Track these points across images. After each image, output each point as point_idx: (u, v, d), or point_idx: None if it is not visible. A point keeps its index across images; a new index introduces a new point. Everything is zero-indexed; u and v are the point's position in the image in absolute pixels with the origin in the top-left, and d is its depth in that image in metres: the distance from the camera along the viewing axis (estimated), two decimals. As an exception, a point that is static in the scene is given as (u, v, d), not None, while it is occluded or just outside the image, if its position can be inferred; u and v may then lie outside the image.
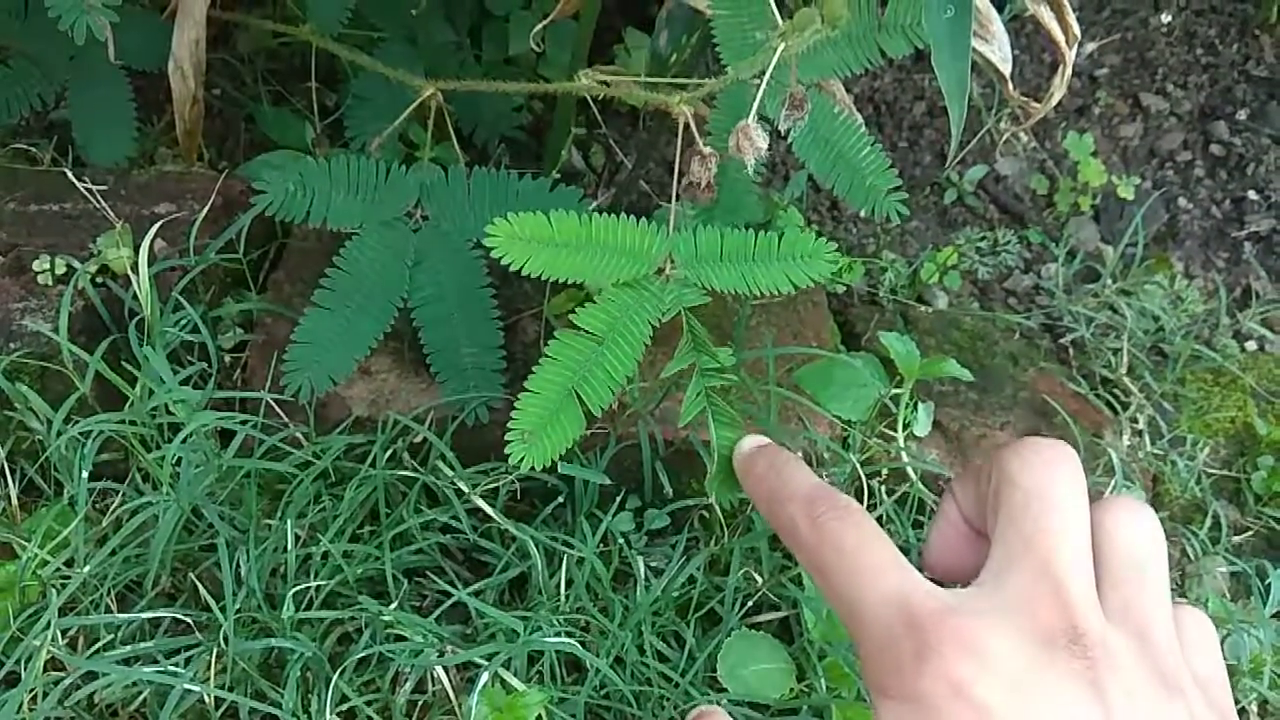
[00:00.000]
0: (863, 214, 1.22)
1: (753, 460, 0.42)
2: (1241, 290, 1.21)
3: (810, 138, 0.69)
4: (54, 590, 0.72)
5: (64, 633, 0.71)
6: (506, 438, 0.59)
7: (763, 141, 0.54)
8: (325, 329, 0.78)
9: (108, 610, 0.73)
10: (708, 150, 0.58)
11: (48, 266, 0.84)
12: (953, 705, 0.27)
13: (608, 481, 0.79)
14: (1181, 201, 1.27)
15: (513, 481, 0.80)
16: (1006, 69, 0.78)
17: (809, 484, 0.37)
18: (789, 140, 0.67)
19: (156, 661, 0.70)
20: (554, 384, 0.60)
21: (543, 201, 0.80)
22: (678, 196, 0.64)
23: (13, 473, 0.80)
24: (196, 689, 0.68)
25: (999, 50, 0.77)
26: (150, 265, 0.80)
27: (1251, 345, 1.15)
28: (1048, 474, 0.31)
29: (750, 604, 0.80)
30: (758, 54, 0.52)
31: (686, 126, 0.59)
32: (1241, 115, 1.31)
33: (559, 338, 0.62)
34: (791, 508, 0.35)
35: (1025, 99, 0.80)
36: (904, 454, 0.87)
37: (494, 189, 0.81)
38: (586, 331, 0.61)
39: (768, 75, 0.53)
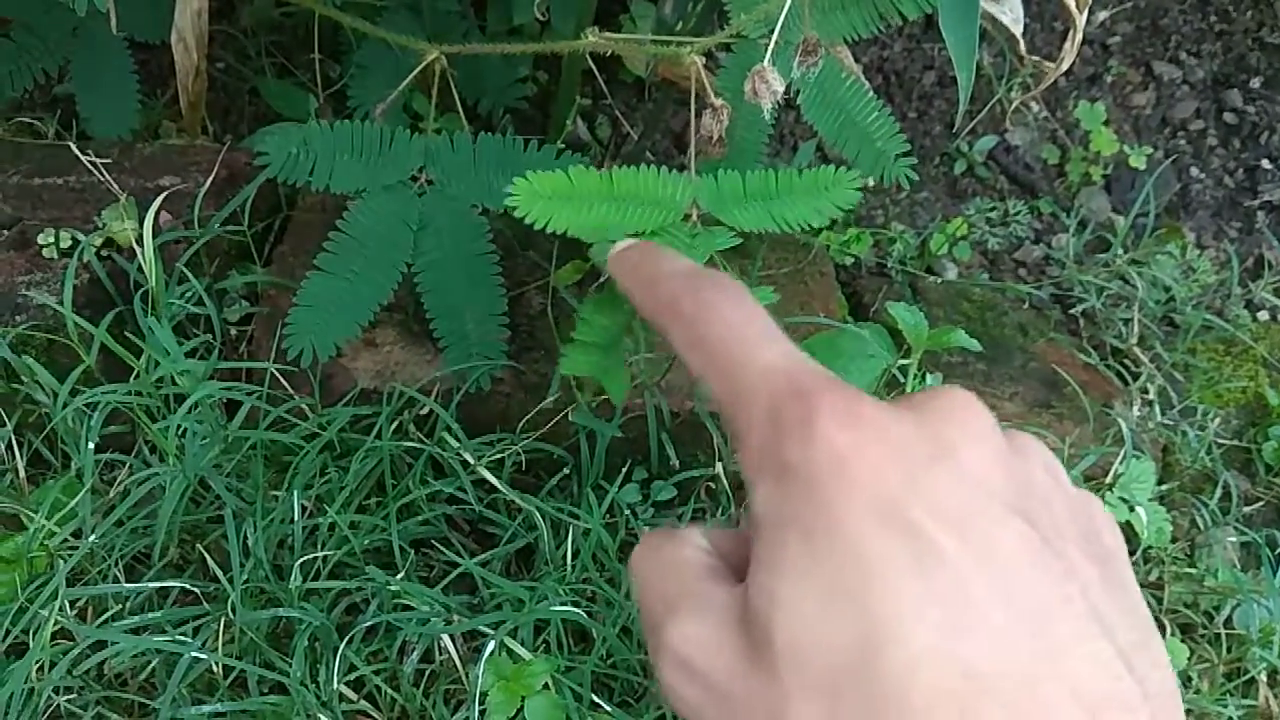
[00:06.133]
0: (871, 183, 1.21)
1: (628, 251, 0.39)
2: (1254, 260, 1.20)
3: (819, 101, 0.68)
4: (61, 561, 0.72)
5: (72, 603, 0.72)
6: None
7: (779, 84, 0.52)
8: (328, 293, 0.78)
9: (115, 581, 0.73)
10: (719, 102, 0.57)
11: (52, 240, 0.84)
12: (835, 477, 0.24)
13: (621, 435, 0.79)
14: (1194, 171, 1.25)
15: (518, 453, 0.80)
16: (1018, 30, 0.76)
17: (689, 264, 0.35)
18: (798, 102, 0.66)
19: (165, 631, 0.71)
20: (605, 329, 0.59)
21: (549, 167, 0.79)
22: (697, 152, 0.63)
23: (20, 445, 0.80)
24: (205, 658, 0.69)
25: (1010, 11, 0.76)
26: (154, 238, 0.79)
27: (1264, 315, 1.14)
28: None
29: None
30: (766, 3, 0.51)
31: (698, 83, 0.58)
32: (1255, 83, 1.29)
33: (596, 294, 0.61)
34: (673, 283, 0.33)
35: (1037, 60, 0.79)
36: (912, 424, 0.86)
37: (499, 154, 0.81)
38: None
39: (780, 26, 0.52)
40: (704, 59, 0.64)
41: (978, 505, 0.24)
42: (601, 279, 0.83)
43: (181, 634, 0.70)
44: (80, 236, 0.83)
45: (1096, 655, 0.23)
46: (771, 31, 0.53)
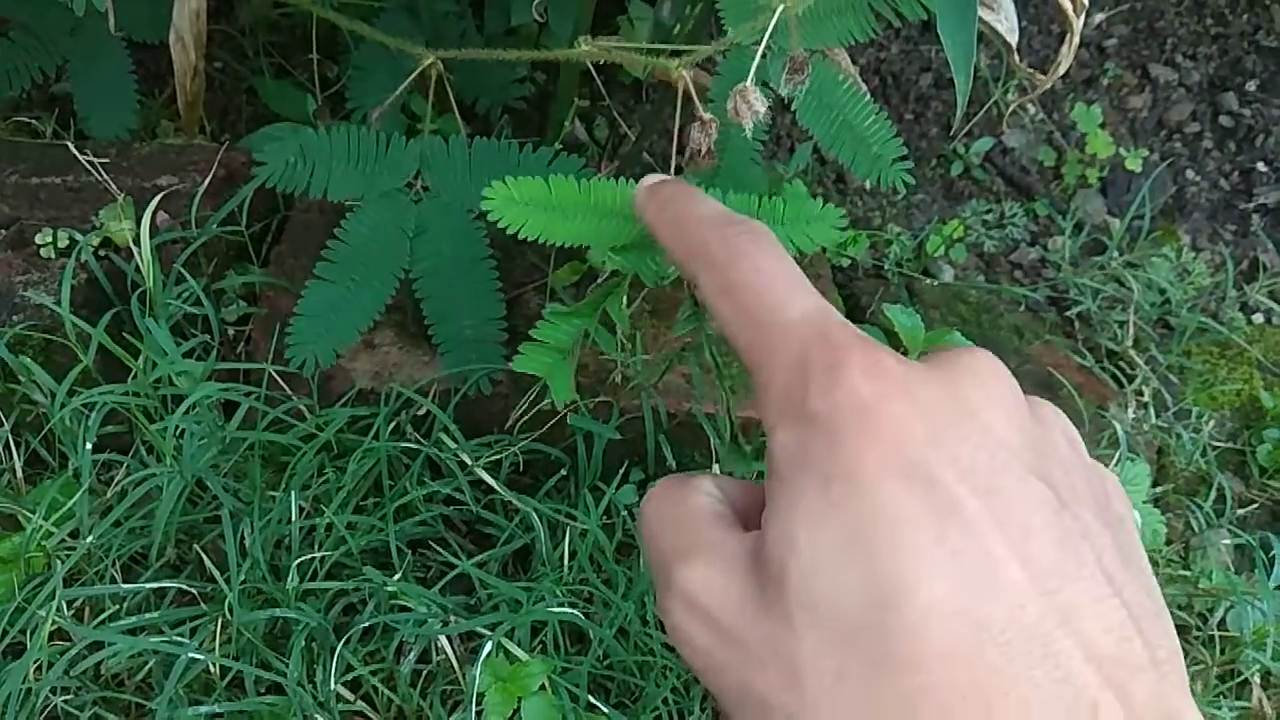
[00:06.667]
0: (868, 185, 1.21)
1: (658, 187, 0.38)
2: (1249, 263, 1.20)
3: (814, 105, 0.68)
4: (59, 561, 0.72)
5: (69, 604, 0.72)
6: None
7: (761, 105, 0.53)
8: (327, 301, 0.78)
9: (113, 581, 0.74)
10: (707, 116, 0.57)
11: (50, 239, 0.84)
12: (858, 427, 0.25)
13: (618, 436, 0.79)
14: (1189, 173, 1.26)
15: (516, 454, 0.80)
16: (1013, 39, 0.77)
17: (720, 207, 0.35)
18: (793, 109, 0.66)
19: (162, 632, 0.71)
20: (566, 334, 0.60)
21: (544, 172, 0.79)
22: (679, 169, 0.64)
23: (17, 445, 0.80)
24: (202, 658, 0.69)
25: (1006, 20, 0.76)
26: (152, 238, 0.79)
27: (1258, 318, 1.14)
28: None
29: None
30: (758, 16, 0.51)
31: (687, 94, 0.58)
32: (1251, 86, 1.29)
33: (551, 315, 0.62)
34: (703, 227, 0.33)
35: (1031, 70, 0.79)
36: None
37: (495, 159, 0.81)
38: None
39: (767, 39, 0.53)
40: (698, 64, 0.64)
41: (999, 464, 0.25)
42: (599, 279, 0.83)
43: (178, 634, 0.71)
44: (78, 236, 0.83)
45: (1109, 616, 0.23)
46: (764, 37, 0.53)
